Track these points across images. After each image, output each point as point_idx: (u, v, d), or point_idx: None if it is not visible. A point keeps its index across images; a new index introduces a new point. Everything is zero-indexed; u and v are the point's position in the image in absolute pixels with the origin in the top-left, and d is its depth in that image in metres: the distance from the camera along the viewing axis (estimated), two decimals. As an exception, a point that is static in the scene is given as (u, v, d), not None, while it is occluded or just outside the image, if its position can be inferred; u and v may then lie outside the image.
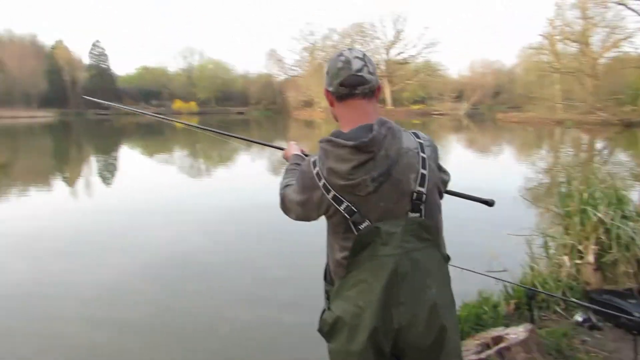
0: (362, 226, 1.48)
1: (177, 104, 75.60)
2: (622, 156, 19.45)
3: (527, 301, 3.62)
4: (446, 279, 1.59)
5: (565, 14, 41.50)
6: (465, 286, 3.92)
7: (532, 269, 4.12)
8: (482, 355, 2.90)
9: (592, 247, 3.81)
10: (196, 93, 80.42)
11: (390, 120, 1.56)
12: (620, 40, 38.12)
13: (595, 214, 3.84)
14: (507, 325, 3.28)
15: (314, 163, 1.57)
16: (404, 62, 71.33)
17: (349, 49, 1.61)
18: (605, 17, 38.78)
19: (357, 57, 1.57)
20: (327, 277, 1.66)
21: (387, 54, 71.16)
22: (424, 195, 1.50)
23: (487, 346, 2.99)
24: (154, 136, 29.77)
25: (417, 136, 1.58)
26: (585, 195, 4.08)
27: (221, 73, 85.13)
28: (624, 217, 3.91)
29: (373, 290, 1.47)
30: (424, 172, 1.51)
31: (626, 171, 15.12)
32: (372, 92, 1.59)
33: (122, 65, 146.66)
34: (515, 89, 53.67)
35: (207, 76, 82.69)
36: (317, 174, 1.54)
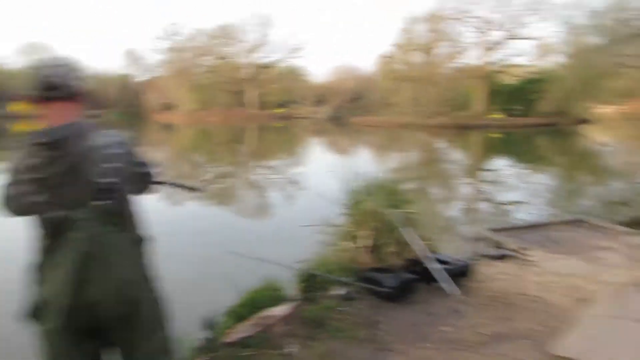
0: (54, 215, 1.66)
1: (14, 107, 67.87)
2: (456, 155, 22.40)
3: (310, 284, 4.11)
4: (138, 258, 1.82)
5: (416, 26, 45.68)
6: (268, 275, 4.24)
7: (319, 255, 4.61)
8: (250, 333, 3.24)
9: (365, 233, 4.40)
10: (43, 93, 73.14)
11: (84, 121, 1.75)
12: (457, 53, 43.18)
13: (368, 204, 4.45)
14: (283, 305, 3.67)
15: (20, 159, 1.70)
16: (268, 66, 72.10)
17: (53, 58, 1.77)
18: (447, 32, 43.55)
19: (57, 65, 1.74)
20: (35, 264, 1.76)
21: (251, 57, 71.37)
22: (111, 186, 1.71)
23: (256, 325, 3.34)
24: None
25: (109, 135, 1.79)
26: (363, 189, 4.69)
27: (72, 72, 78.44)
28: (394, 206, 4.58)
29: (66, 271, 1.65)
30: (111, 165, 1.72)
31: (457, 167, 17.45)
32: (70, 97, 1.75)
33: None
34: (373, 95, 57.22)
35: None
36: (21, 169, 1.69)
